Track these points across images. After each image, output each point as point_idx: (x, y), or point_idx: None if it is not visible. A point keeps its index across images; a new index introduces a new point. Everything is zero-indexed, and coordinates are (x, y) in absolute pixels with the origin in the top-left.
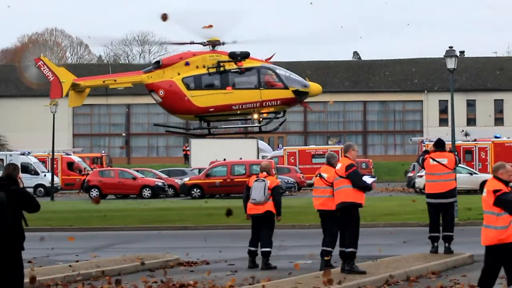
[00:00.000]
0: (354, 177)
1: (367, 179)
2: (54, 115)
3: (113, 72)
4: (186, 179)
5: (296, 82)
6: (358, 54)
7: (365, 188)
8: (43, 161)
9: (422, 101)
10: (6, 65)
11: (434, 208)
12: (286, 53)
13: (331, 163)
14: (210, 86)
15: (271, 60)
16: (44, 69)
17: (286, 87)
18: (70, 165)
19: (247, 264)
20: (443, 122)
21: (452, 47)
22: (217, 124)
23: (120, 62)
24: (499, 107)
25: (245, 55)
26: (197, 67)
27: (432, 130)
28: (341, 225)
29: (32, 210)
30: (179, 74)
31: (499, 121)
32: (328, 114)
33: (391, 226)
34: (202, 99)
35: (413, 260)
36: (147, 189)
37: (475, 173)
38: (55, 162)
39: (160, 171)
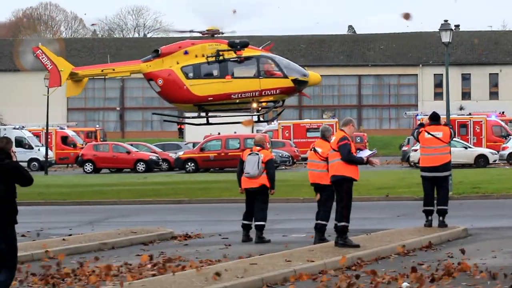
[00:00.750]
0: (342, 150)
1: (365, 153)
2: (48, 89)
3: (109, 50)
4: (180, 153)
5: (296, 71)
6: (353, 28)
7: (355, 162)
8: (37, 135)
9: (417, 75)
10: (1, 40)
11: (428, 181)
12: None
13: (325, 136)
14: (209, 75)
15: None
16: (42, 58)
17: (285, 76)
18: (64, 139)
19: (241, 238)
20: (438, 96)
21: (447, 20)
22: (215, 113)
23: (115, 36)
24: (494, 81)
25: (245, 44)
26: (196, 56)
27: (427, 104)
28: (335, 199)
29: (25, 184)
30: (178, 63)
31: (494, 95)
32: (323, 88)
33: (386, 200)
34: (201, 88)
35: (407, 233)
36: (141, 163)
37: (469, 147)
38: (49, 136)
39: (154, 145)
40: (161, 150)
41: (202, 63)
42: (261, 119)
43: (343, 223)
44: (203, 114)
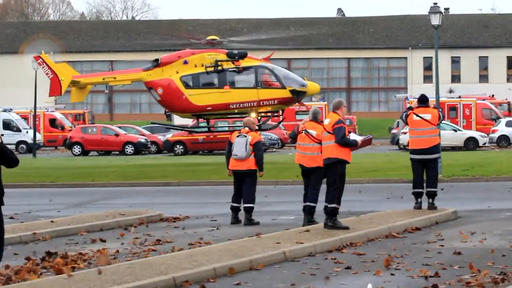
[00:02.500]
0: (337, 132)
1: (358, 137)
2: (36, 71)
3: (97, 32)
4: (169, 136)
5: (294, 81)
6: (342, 11)
7: (349, 145)
8: (25, 117)
9: (406, 58)
10: None
11: (417, 164)
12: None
13: (317, 119)
14: (208, 85)
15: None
16: (43, 67)
17: (283, 87)
18: (53, 121)
19: (229, 220)
20: (427, 79)
21: (436, 3)
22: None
23: (103, 19)
24: (483, 64)
25: (243, 55)
26: (196, 66)
27: (417, 87)
28: (327, 181)
29: (11, 165)
30: (177, 73)
31: (483, 78)
32: (312, 71)
33: (375, 183)
34: (200, 98)
35: (396, 215)
36: (130, 145)
37: (459, 130)
38: (37, 119)
39: (143, 128)
40: (150, 133)
41: (201, 73)
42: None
43: (333, 205)
44: (203, 121)
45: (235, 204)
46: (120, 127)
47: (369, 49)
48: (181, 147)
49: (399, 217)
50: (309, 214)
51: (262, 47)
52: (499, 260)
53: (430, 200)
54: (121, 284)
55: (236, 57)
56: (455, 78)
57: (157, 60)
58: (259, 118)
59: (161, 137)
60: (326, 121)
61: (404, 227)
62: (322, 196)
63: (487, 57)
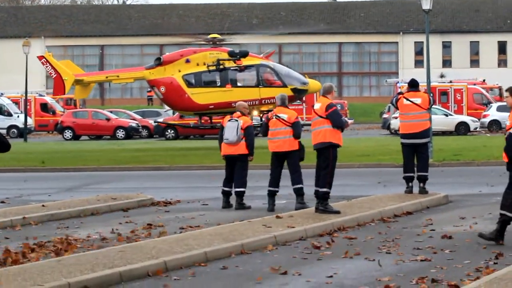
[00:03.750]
0: (335, 116)
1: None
2: (27, 56)
3: (88, 16)
4: (160, 120)
5: (295, 79)
6: None
7: (343, 126)
8: (16, 102)
9: (397, 42)
10: None
11: (408, 148)
12: None
13: (285, 104)
14: (210, 84)
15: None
16: (47, 67)
17: (284, 85)
18: (44, 106)
19: (221, 204)
20: (418, 63)
21: None
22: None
23: (94, 3)
24: (475, 49)
25: (244, 54)
26: (198, 64)
27: (408, 71)
28: (317, 165)
29: (3, 150)
30: (180, 71)
31: (475, 63)
32: (303, 56)
33: (366, 167)
34: (202, 96)
35: (387, 200)
36: (121, 130)
37: (450, 115)
38: (28, 103)
39: (134, 112)
40: (141, 117)
41: (203, 71)
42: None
43: (325, 189)
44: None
45: (226, 189)
46: (111, 112)
47: (360, 34)
48: (172, 131)
49: (390, 202)
50: (299, 196)
51: (252, 32)
52: (490, 244)
53: (421, 185)
54: (112, 268)
55: (238, 56)
56: (446, 63)
57: (159, 58)
58: (261, 116)
59: (152, 122)
60: (317, 106)
61: (395, 211)
62: (311, 181)
63: (478, 42)
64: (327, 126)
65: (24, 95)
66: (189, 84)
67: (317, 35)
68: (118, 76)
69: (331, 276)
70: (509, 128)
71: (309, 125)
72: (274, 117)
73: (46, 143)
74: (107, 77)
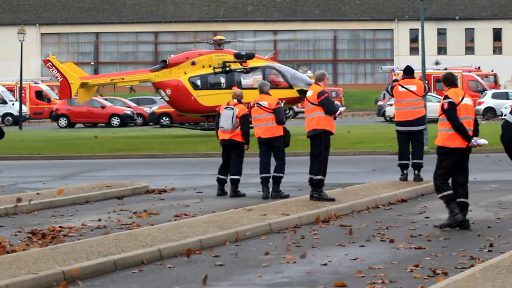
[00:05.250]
0: (327, 103)
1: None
2: (22, 43)
3: (83, 4)
4: (155, 108)
5: (301, 81)
6: None
7: (335, 113)
8: (11, 90)
9: (392, 30)
10: None
11: (403, 135)
12: None
13: (264, 91)
14: (216, 86)
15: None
16: (52, 70)
17: (290, 87)
18: (39, 94)
19: (216, 192)
20: (413, 50)
21: None
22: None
23: None
24: (470, 36)
25: (250, 56)
26: (203, 67)
27: (403, 58)
28: (310, 152)
29: None
30: (185, 73)
31: (470, 50)
32: (298, 43)
33: (361, 155)
34: (208, 98)
35: (382, 187)
36: (116, 117)
37: None
38: (23, 91)
39: (129, 100)
40: (136, 105)
41: (209, 73)
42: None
43: (319, 177)
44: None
45: (221, 176)
46: (106, 99)
47: (355, 21)
48: (167, 119)
49: (385, 189)
50: (275, 184)
51: (248, 19)
52: (485, 232)
53: (416, 172)
54: (107, 256)
55: (244, 58)
56: (441, 50)
57: (164, 61)
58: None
59: (147, 109)
60: (309, 93)
61: (390, 199)
62: (306, 168)
63: (473, 29)
64: (320, 113)
65: (19, 82)
66: (195, 86)
67: (312, 22)
68: (123, 79)
69: (325, 264)
70: None
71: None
72: (255, 105)
73: (41, 131)
74: (112, 80)
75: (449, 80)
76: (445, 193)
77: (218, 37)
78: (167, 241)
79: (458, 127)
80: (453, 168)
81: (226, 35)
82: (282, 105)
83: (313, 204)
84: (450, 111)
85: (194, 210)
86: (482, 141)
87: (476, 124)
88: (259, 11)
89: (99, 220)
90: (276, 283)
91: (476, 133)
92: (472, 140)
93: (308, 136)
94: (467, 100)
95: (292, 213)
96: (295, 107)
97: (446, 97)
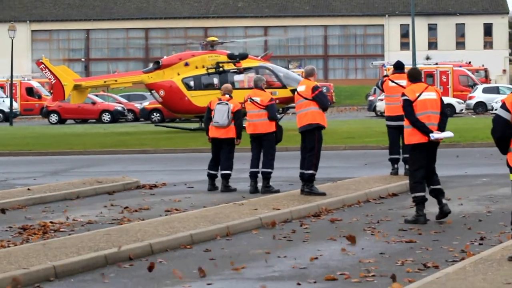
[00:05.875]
0: (321, 98)
1: None
2: (12, 40)
3: (74, 0)
4: (145, 104)
5: (294, 80)
6: None
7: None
8: (1, 86)
9: (383, 25)
10: None
11: (393, 130)
12: None
13: (258, 86)
14: (210, 86)
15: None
16: (45, 72)
17: (284, 86)
18: (29, 90)
19: (206, 187)
20: (404, 46)
21: None
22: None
23: None
24: (460, 31)
25: (244, 57)
26: (197, 68)
27: (393, 54)
28: (302, 147)
29: None
30: (179, 74)
31: (460, 45)
32: (289, 39)
33: (352, 149)
34: (201, 99)
35: (373, 181)
36: (107, 113)
37: None
38: (14, 88)
39: (119, 96)
40: (127, 101)
41: (202, 74)
42: None
43: (311, 171)
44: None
45: (212, 171)
46: (97, 95)
47: (345, 17)
48: (158, 115)
49: (376, 183)
50: (265, 180)
51: (238, 15)
52: (476, 225)
53: (407, 166)
54: (98, 251)
55: (237, 59)
56: (432, 45)
57: (157, 62)
58: None
59: (138, 105)
60: (301, 88)
61: (381, 193)
62: (296, 163)
63: (464, 24)
64: (314, 108)
65: (9, 79)
66: (189, 87)
67: (303, 18)
68: (116, 81)
69: (316, 258)
70: None
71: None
72: (249, 100)
73: (32, 127)
74: (105, 82)
75: (412, 75)
76: (417, 194)
77: (211, 38)
78: (158, 236)
79: (414, 123)
80: (424, 164)
81: (217, 31)
82: (276, 101)
83: (304, 198)
84: (405, 108)
85: (185, 205)
86: (443, 134)
87: (443, 117)
88: (249, 7)
89: (90, 215)
90: (267, 277)
91: (441, 126)
92: (431, 135)
93: (301, 131)
94: (427, 95)
95: (283, 208)
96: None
97: (403, 94)
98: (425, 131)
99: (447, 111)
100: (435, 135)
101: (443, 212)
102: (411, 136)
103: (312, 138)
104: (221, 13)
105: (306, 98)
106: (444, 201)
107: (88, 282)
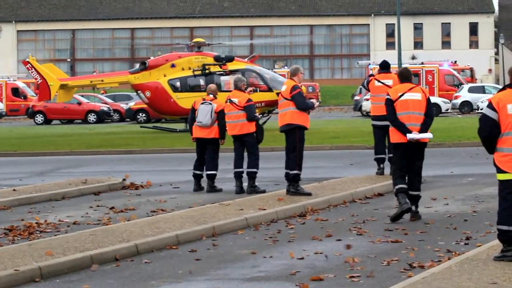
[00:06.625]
0: (298, 98)
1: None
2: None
3: (59, 1)
4: (131, 104)
5: (280, 84)
6: None
7: (309, 108)
8: None
9: (369, 24)
10: None
11: (379, 130)
12: None
13: (238, 86)
14: (196, 88)
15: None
16: (32, 72)
17: (270, 89)
18: (15, 90)
19: (192, 187)
20: (390, 45)
21: None
22: None
23: None
24: (446, 30)
25: (230, 59)
26: (183, 69)
27: (379, 53)
28: (286, 147)
29: None
30: (165, 76)
31: (446, 44)
32: (275, 38)
33: (338, 149)
34: (187, 101)
35: (359, 181)
36: (93, 114)
37: None
38: None
39: (105, 96)
40: (112, 101)
41: (188, 76)
42: None
43: (295, 171)
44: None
45: (197, 172)
46: (82, 96)
47: (331, 16)
48: (143, 115)
49: (362, 183)
50: (251, 180)
51: (224, 15)
52: (462, 225)
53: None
54: (83, 252)
55: (224, 61)
56: (418, 45)
57: (144, 63)
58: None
59: (123, 106)
60: (283, 88)
61: (367, 193)
62: (282, 163)
63: (449, 23)
64: (292, 108)
65: None
66: (175, 89)
67: (289, 18)
68: (102, 81)
69: (302, 258)
70: None
71: None
72: (228, 101)
73: (17, 127)
74: (91, 82)
75: (402, 75)
76: (397, 187)
77: (197, 39)
78: (143, 236)
79: (392, 122)
80: (404, 164)
81: (203, 31)
82: (253, 102)
83: (289, 198)
84: (386, 107)
85: (171, 205)
86: (421, 135)
87: (426, 119)
88: (235, 7)
89: (76, 215)
90: (253, 277)
91: (423, 127)
92: (408, 135)
93: (281, 130)
94: (410, 95)
95: (269, 208)
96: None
97: (387, 93)
98: (403, 131)
99: (433, 112)
100: (412, 135)
101: (411, 216)
102: (393, 135)
103: (293, 138)
104: (207, 13)
105: (286, 98)
106: (414, 208)
107: (74, 282)
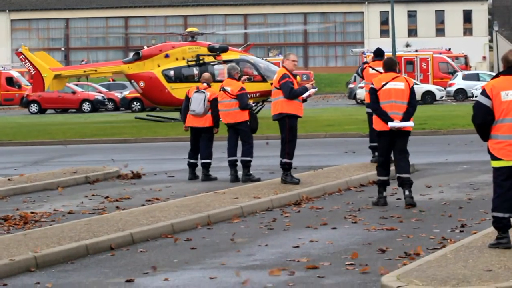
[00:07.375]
0: (284, 87)
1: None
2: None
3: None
4: (126, 93)
5: (274, 73)
6: None
7: (299, 95)
8: None
9: (363, 12)
10: None
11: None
12: None
13: (231, 75)
14: (190, 78)
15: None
16: (25, 63)
17: (264, 80)
18: (9, 80)
19: (187, 176)
20: (384, 33)
21: None
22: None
23: None
24: (440, 18)
25: (224, 49)
26: (177, 59)
27: (373, 41)
28: (281, 136)
29: None
30: (159, 66)
31: (440, 32)
32: (269, 27)
33: (332, 137)
34: (181, 91)
35: (354, 169)
36: (87, 103)
37: (416, 84)
38: None
39: (100, 85)
40: (107, 90)
41: (182, 66)
42: None
43: (285, 160)
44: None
45: (192, 160)
46: (77, 85)
47: (325, 4)
48: (138, 104)
49: (356, 171)
50: (245, 168)
51: (218, 3)
52: (457, 213)
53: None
54: (79, 241)
55: (218, 51)
56: (412, 32)
57: (138, 53)
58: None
59: (118, 94)
60: (275, 76)
61: (361, 181)
62: (277, 152)
63: (443, 10)
64: (282, 97)
65: None
66: (169, 79)
67: (282, 6)
68: (96, 70)
69: (297, 246)
70: None
71: None
72: (221, 89)
73: (12, 117)
74: (85, 71)
75: (387, 64)
76: (380, 178)
77: (191, 29)
78: (138, 225)
79: (374, 111)
80: (388, 152)
81: (196, 19)
82: (246, 90)
83: (284, 187)
84: (370, 96)
85: (166, 194)
86: (402, 124)
87: (409, 108)
88: None
89: (71, 205)
90: (248, 266)
91: (405, 116)
92: (389, 123)
93: (273, 119)
94: (393, 85)
95: (263, 196)
96: None
97: (371, 82)
98: (385, 119)
99: (415, 102)
100: (394, 124)
101: (406, 203)
102: (376, 124)
103: (283, 126)
104: (200, 1)
105: (276, 87)
106: (407, 192)
107: (69, 272)
